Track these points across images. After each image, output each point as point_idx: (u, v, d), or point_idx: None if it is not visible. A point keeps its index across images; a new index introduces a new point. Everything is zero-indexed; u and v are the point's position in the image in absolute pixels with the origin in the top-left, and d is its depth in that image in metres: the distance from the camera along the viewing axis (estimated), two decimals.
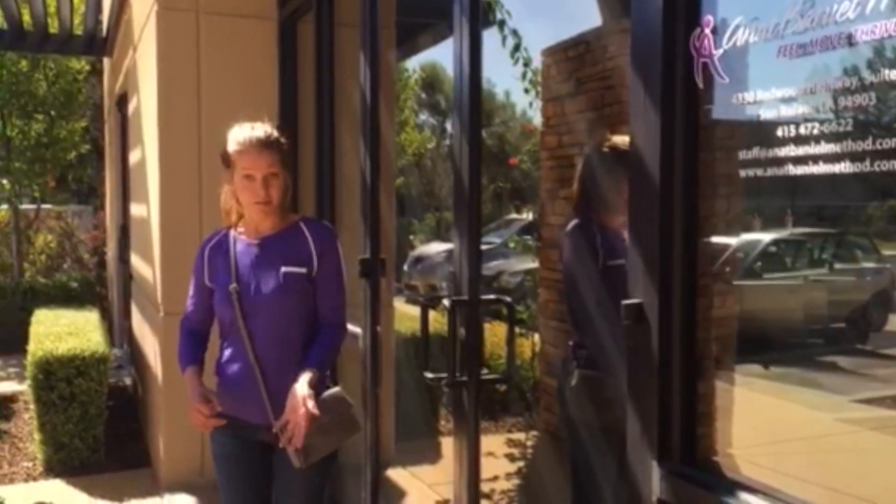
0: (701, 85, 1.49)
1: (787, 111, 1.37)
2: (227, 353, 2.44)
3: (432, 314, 2.74)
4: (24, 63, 9.30)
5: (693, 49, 1.49)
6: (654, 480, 1.55)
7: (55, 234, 11.45)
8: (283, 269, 2.37)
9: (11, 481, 4.59)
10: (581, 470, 2.72)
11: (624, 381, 1.63)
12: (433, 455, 4.98)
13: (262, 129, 2.37)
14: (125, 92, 6.73)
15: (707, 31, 1.47)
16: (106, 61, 9.06)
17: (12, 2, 6.45)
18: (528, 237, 7.99)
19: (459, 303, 2.41)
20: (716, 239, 2.76)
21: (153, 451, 4.79)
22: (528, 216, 8.41)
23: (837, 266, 8.96)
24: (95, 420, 4.75)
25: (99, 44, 7.64)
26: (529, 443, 5.34)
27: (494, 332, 5.51)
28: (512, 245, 9.97)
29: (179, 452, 4.35)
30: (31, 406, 4.98)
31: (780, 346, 6.95)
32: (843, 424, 5.30)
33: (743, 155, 1.45)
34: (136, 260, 6.04)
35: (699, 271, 1.56)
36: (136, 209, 6.01)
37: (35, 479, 4.63)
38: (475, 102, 2.42)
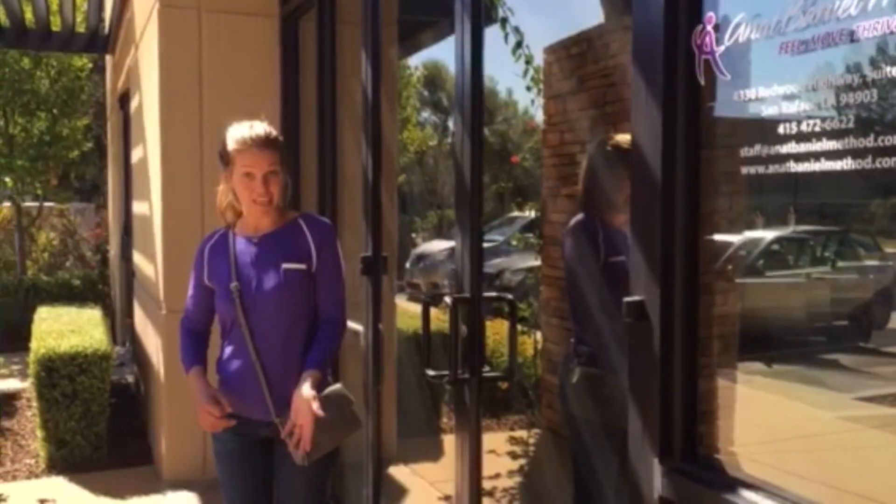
0: (703, 82, 1.49)
1: (788, 108, 1.37)
2: (229, 350, 2.44)
3: (434, 312, 2.74)
4: (26, 61, 9.31)
5: (695, 46, 1.48)
6: (656, 478, 1.55)
7: (58, 232, 11.48)
8: (283, 265, 2.37)
9: (14, 478, 4.60)
10: (582, 467, 2.72)
11: (625, 378, 1.63)
12: (435, 452, 4.99)
13: (261, 126, 2.37)
14: (127, 89, 6.74)
15: (709, 27, 1.46)
16: (108, 59, 9.07)
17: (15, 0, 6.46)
18: (531, 235, 7.98)
19: (461, 300, 2.41)
20: (718, 236, 2.76)
21: (155, 449, 4.80)
22: (530, 214, 8.41)
23: (840, 264, 8.94)
24: (98, 417, 4.76)
25: (101, 41, 7.65)
26: (531, 440, 5.34)
27: (496, 330, 5.51)
28: (514, 243, 9.97)
29: (181, 449, 4.36)
30: (34, 403, 5.00)
31: (782, 343, 6.93)
32: (846, 422, 5.30)
33: (745, 152, 1.44)
34: (138, 257, 6.04)
35: (701, 269, 1.56)
36: (138, 207, 6.02)
37: (38, 476, 4.64)
38: (477, 100, 2.42)
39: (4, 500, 4.16)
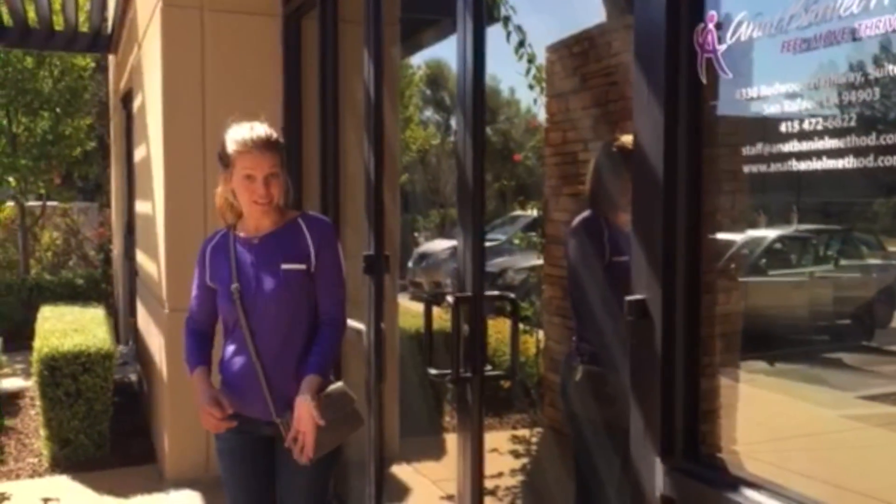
0: (704, 80, 1.48)
1: (791, 107, 1.37)
2: (230, 350, 2.45)
3: (436, 310, 2.74)
4: (29, 60, 9.32)
5: (697, 44, 1.48)
6: (658, 476, 1.55)
7: (61, 231, 11.49)
8: (283, 266, 2.37)
9: (17, 477, 4.62)
10: (584, 466, 2.72)
11: (627, 376, 1.63)
12: (437, 451, 4.99)
13: (261, 128, 2.37)
14: (130, 89, 6.75)
15: (711, 26, 1.46)
16: (111, 58, 9.07)
17: None
18: (533, 234, 7.98)
19: (463, 299, 2.41)
20: (720, 235, 2.76)
21: (158, 447, 4.81)
22: (532, 213, 8.40)
23: (843, 262, 8.93)
24: (101, 416, 4.77)
25: (104, 41, 7.66)
26: (533, 439, 5.34)
27: (498, 329, 5.51)
28: (516, 241, 9.97)
29: (184, 448, 4.37)
30: (37, 402, 5.00)
31: (784, 342, 6.93)
32: (848, 421, 5.29)
33: (747, 151, 1.44)
34: (141, 257, 6.05)
35: (703, 268, 1.56)
36: (141, 206, 6.03)
37: (41, 474, 4.65)
38: (479, 99, 2.42)
39: (8, 498, 4.17)
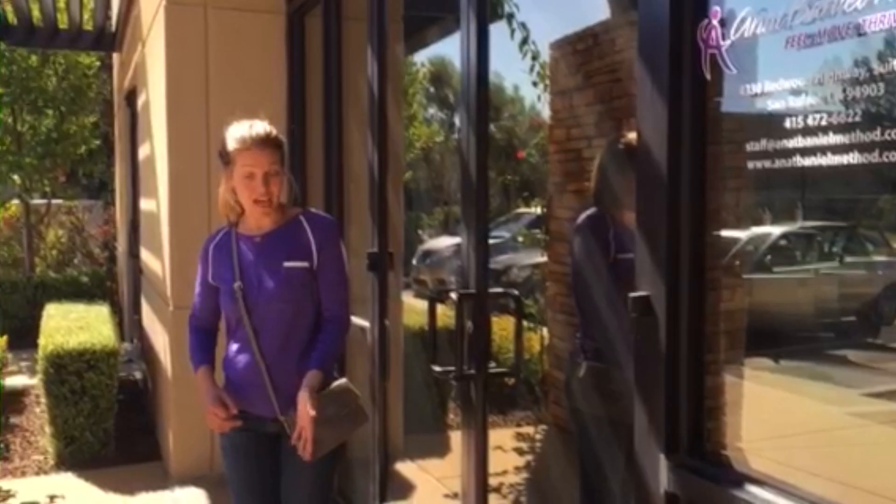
0: (708, 77, 1.48)
1: (795, 103, 1.36)
2: (234, 348, 2.45)
3: (440, 308, 2.74)
4: (33, 58, 9.34)
5: (700, 41, 1.48)
6: (662, 473, 1.55)
7: (66, 229, 11.51)
8: (286, 264, 2.37)
9: (23, 474, 4.63)
10: (589, 463, 2.72)
11: (631, 373, 1.63)
12: (441, 449, 4.99)
13: (261, 126, 2.37)
14: (134, 87, 6.76)
15: (715, 22, 1.46)
16: (115, 56, 9.09)
17: None
18: (537, 231, 7.97)
19: (467, 296, 2.41)
20: (725, 232, 2.75)
21: (163, 445, 4.82)
22: (536, 210, 8.39)
23: (848, 259, 8.91)
24: (106, 414, 4.78)
25: (108, 39, 7.67)
26: (537, 436, 5.34)
27: (502, 326, 5.51)
28: (520, 239, 9.96)
29: (189, 446, 4.37)
30: (43, 400, 5.02)
31: (789, 339, 6.91)
32: (853, 418, 5.28)
33: (751, 147, 1.44)
34: (145, 254, 6.06)
35: (707, 264, 1.56)
36: (145, 204, 6.04)
37: (46, 472, 4.67)
38: (483, 96, 2.42)
39: (14, 495, 4.19)
